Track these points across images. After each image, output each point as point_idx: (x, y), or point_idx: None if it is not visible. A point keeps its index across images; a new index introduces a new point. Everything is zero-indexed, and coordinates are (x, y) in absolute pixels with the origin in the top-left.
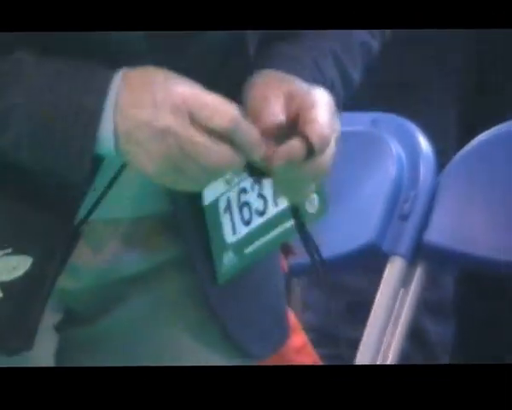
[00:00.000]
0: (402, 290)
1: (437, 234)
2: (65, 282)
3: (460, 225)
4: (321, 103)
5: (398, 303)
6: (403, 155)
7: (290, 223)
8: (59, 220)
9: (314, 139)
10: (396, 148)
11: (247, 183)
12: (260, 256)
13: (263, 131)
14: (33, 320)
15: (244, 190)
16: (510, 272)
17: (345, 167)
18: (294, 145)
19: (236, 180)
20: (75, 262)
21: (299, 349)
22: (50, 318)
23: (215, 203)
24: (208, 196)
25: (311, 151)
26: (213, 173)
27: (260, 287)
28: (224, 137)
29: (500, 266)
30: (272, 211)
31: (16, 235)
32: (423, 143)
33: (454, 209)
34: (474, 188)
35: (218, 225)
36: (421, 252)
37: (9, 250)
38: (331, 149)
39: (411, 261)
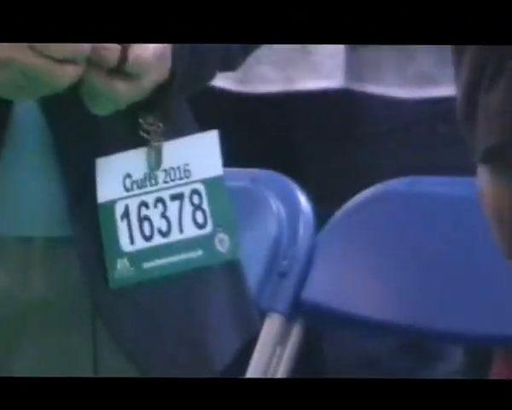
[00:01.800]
0: (279, 348)
1: (314, 292)
2: None
3: (337, 284)
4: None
5: (275, 360)
6: (283, 212)
7: (197, 254)
8: None
9: (129, 52)
10: (276, 205)
11: (149, 197)
12: (161, 275)
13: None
14: None
15: (145, 205)
16: (385, 332)
17: None
18: (110, 46)
19: (136, 190)
20: None
21: None
22: None
23: (111, 206)
24: (103, 196)
25: (122, 62)
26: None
27: (177, 319)
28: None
29: (377, 326)
30: (177, 236)
31: None
32: (303, 201)
33: (332, 268)
34: (351, 248)
35: (114, 229)
36: (299, 309)
37: None
38: (147, 79)
39: (289, 318)
